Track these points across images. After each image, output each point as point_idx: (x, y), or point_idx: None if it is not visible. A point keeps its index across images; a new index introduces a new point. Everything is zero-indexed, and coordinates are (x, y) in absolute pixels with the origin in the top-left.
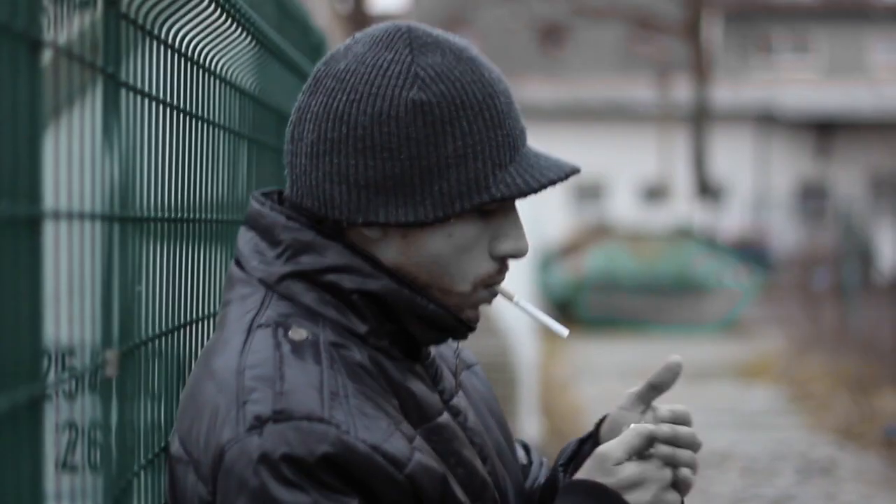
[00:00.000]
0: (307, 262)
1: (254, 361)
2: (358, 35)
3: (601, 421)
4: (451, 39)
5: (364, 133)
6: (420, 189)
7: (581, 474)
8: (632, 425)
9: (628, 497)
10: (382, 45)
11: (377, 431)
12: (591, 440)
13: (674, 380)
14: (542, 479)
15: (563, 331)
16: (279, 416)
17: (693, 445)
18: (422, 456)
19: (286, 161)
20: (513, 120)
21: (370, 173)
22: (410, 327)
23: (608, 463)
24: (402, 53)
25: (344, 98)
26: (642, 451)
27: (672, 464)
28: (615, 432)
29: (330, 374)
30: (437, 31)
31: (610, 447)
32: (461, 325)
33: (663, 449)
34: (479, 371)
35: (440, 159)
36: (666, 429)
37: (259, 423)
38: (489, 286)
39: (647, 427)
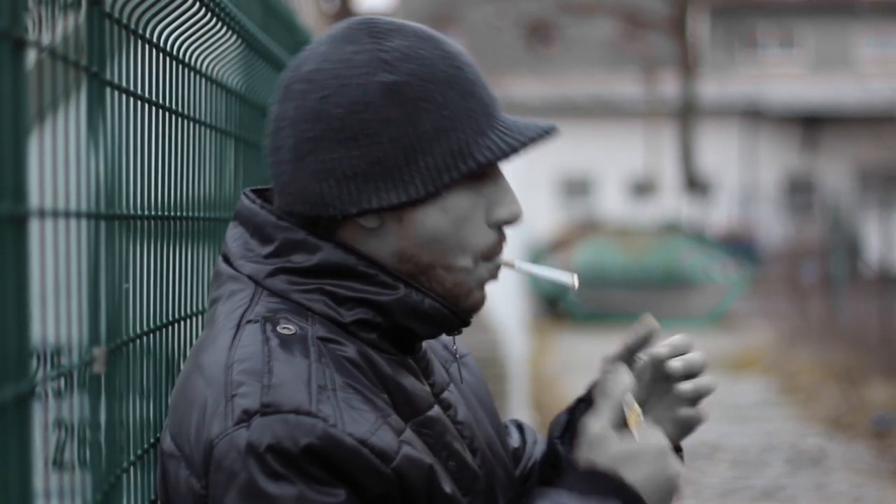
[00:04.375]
0: (299, 259)
1: (242, 356)
2: (316, 38)
3: (592, 386)
4: (408, 23)
5: (341, 125)
6: (407, 168)
7: (595, 459)
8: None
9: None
10: (344, 40)
11: (364, 424)
12: (584, 404)
13: (650, 339)
14: (538, 456)
15: (572, 279)
16: (267, 410)
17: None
18: (410, 449)
19: (270, 174)
20: (481, 88)
21: (355, 163)
22: (403, 322)
23: (612, 444)
24: (365, 43)
25: (316, 96)
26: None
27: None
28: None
29: (318, 367)
30: (393, 19)
31: (604, 427)
32: (456, 320)
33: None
34: (469, 361)
35: (420, 136)
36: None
37: (247, 417)
38: (490, 258)
39: (622, 383)
